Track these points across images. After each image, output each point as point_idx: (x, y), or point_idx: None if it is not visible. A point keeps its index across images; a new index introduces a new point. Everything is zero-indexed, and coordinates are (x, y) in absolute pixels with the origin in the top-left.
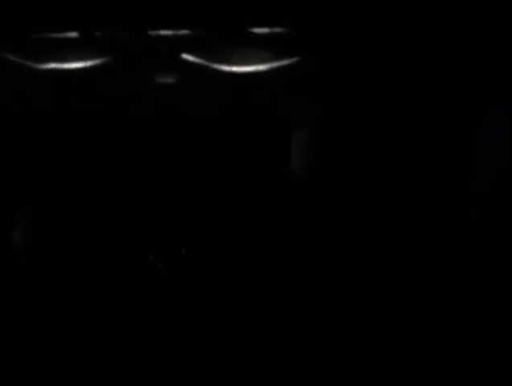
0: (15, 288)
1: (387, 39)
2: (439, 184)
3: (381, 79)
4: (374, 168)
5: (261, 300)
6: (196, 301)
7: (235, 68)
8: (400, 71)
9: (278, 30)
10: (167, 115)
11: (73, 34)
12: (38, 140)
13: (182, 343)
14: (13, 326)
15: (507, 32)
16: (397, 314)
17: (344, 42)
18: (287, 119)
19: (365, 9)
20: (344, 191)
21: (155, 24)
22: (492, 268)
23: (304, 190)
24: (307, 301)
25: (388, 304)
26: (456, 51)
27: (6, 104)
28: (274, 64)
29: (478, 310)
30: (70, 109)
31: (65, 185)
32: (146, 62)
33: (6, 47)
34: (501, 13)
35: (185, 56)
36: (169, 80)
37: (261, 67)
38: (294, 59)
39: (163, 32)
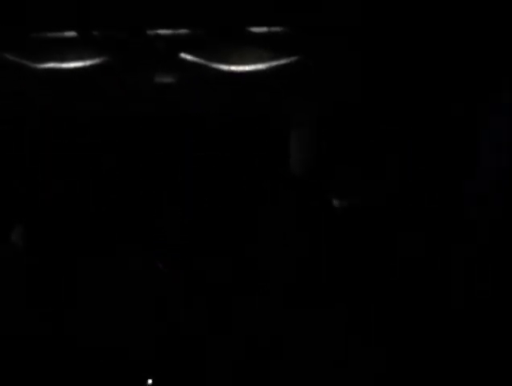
0: (15, 288)
1: (387, 39)
2: (439, 184)
3: (381, 79)
4: (374, 168)
5: (261, 300)
6: (196, 301)
7: (234, 68)
8: (400, 71)
9: (277, 29)
10: (167, 114)
11: (72, 34)
12: (37, 139)
13: (182, 343)
14: (13, 326)
15: (507, 32)
16: (397, 313)
17: (344, 42)
18: (287, 119)
19: (365, 9)
20: (344, 191)
21: (154, 24)
22: (492, 268)
23: (304, 190)
24: (307, 301)
25: (388, 304)
26: (456, 51)
27: (5, 104)
28: (273, 64)
29: (478, 309)
30: (69, 109)
31: (65, 185)
32: (145, 61)
33: (5, 47)
34: (501, 13)
35: (184, 56)
36: (168, 79)
37: (260, 67)
38: (293, 59)
39: (162, 32)
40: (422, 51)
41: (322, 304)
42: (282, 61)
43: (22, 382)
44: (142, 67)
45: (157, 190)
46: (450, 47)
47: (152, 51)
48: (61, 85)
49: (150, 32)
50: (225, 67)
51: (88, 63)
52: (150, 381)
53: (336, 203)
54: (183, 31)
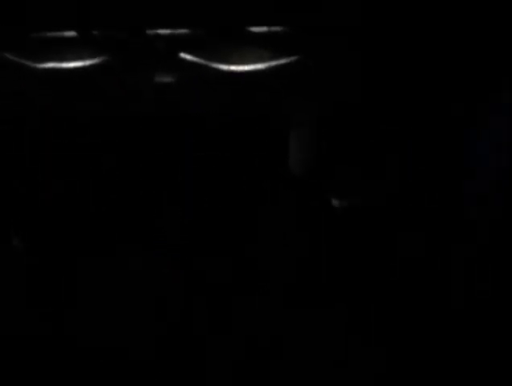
0: (15, 288)
1: (387, 39)
2: (439, 184)
3: (381, 79)
4: (374, 168)
5: (261, 300)
6: (196, 301)
7: (234, 68)
8: (400, 71)
9: (277, 29)
10: (166, 114)
11: (72, 34)
12: (37, 139)
13: (182, 343)
14: (13, 326)
15: (507, 32)
16: (397, 314)
17: (344, 42)
18: (287, 119)
19: (365, 9)
20: (344, 191)
21: (154, 23)
22: (492, 268)
23: (304, 190)
24: (307, 301)
25: (388, 304)
26: (456, 51)
27: (4, 104)
28: (273, 64)
29: (478, 309)
30: (69, 109)
31: (65, 185)
32: (144, 61)
33: (4, 47)
34: (501, 13)
35: (184, 56)
36: (168, 79)
37: (260, 67)
38: (293, 59)
39: (162, 31)
40: (422, 51)
41: (322, 304)
42: (282, 61)
43: (23, 382)
44: (141, 67)
45: (157, 190)
46: (450, 47)
47: (152, 50)
48: (61, 85)
49: (150, 32)
50: (224, 67)
51: (87, 62)
52: None
53: (336, 203)
54: (182, 31)
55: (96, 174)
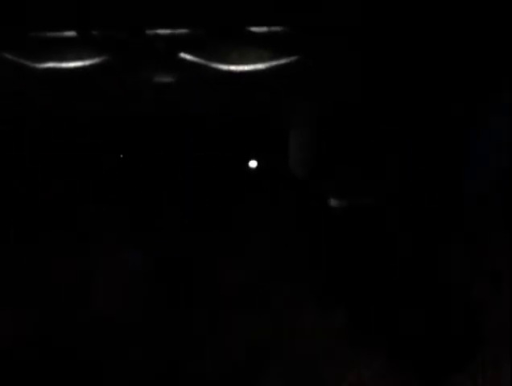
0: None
1: (387, 39)
2: (439, 184)
3: (381, 79)
4: (374, 168)
5: (261, 300)
6: (196, 302)
7: (234, 67)
8: (400, 71)
9: (276, 29)
10: (166, 114)
11: (71, 34)
12: (36, 139)
13: (181, 343)
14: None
15: (507, 32)
16: (397, 314)
17: (344, 42)
18: (287, 119)
19: (365, 9)
20: (344, 191)
21: (154, 23)
22: (492, 269)
23: (304, 191)
24: (306, 301)
25: (388, 304)
26: (456, 51)
27: (4, 104)
28: (273, 63)
29: (478, 310)
30: (68, 108)
31: (65, 185)
32: (144, 61)
33: (4, 47)
34: (501, 13)
35: (184, 55)
36: (167, 79)
37: (260, 67)
38: (293, 59)
39: (162, 31)
40: (422, 51)
41: (322, 304)
42: (282, 61)
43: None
44: (141, 67)
45: (157, 190)
46: (450, 47)
47: (152, 50)
48: (60, 85)
49: (150, 32)
50: (224, 67)
51: (87, 62)
52: None
53: (335, 203)
54: (182, 31)
55: (96, 174)
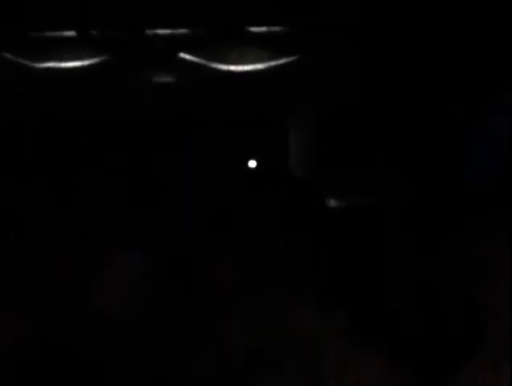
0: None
1: (387, 39)
2: (439, 184)
3: (381, 79)
4: (374, 168)
5: (260, 300)
6: (195, 302)
7: (233, 67)
8: (400, 71)
9: (276, 29)
10: (166, 114)
11: (71, 33)
12: (36, 139)
13: (181, 343)
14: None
15: (507, 32)
16: (397, 314)
17: (344, 42)
18: (287, 119)
19: (365, 9)
20: (343, 191)
21: (153, 23)
22: (492, 269)
23: (304, 191)
24: (307, 301)
25: (388, 304)
26: (456, 51)
27: (3, 104)
28: (273, 64)
29: (478, 310)
30: (68, 108)
31: (65, 185)
32: (144, 61)
33: (3, 47)
34: (501, 13)
35: (183, 56)
36: (167, 79)
37: (259, 67)
38: (292, 59)
39: (161, 31)
40: (422, 51)
41: (321, 305)
42: (282, 61)
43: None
44: (141, 67)
45: (156, 189)
46: (450, 47)
47: (151, 50)
48: (60, 85)
49: (150, 32)
50: (223, 67)
51: (87, 62)
52: None
53: (335, 203)
54: (182, 31)
55: (95, 174)
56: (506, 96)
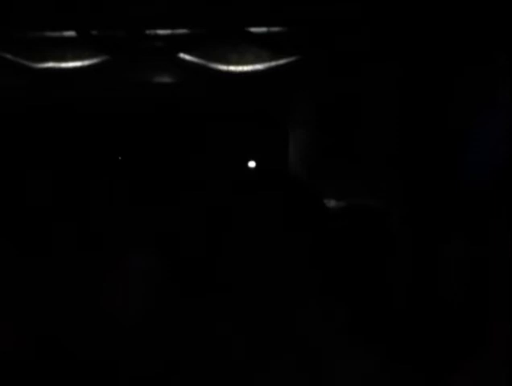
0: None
1: (387, 38)
2: (439, 184)
3: (380, 79)
4: (374, 168)
5: (260, 300)
6: (195, 301)
7: (233, 68)
8: (400, 70)
9: (275, 29)
10: (165, 114)
11: (71, 34)
12: (35, 139)
13: (181, 343)
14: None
15: (507, 32)
16: (397, 314)
17: (343, 42)
18: (286, 119)
19: (365, 9)
20: (343, 192)
21: (153, 23)
22: (492, 269)
23: (304, 191)
24: (306, 301)
25: (388, 304)
26: (455, 50)
27: (3, 104)
28: (273, 64)
29: (478, 309)
30: (68, 109)
31: (64, 185)
32: (143, 61)
33: (3, 47)
34: (501, 11)
35: (183, 56)
36: (167, 79)
37: (259, 67)
38: (292, 59)
39: (161, 31)
40: (422, 51)
41: (321, 304)
42: (281, 61)
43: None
44: (141, 68)
45: (156, 190)
46: (450, 46)
47: (151, 51)
48: (60, 85)
49: (149, 32)
50: (223, 67)
51: (86, 62)
52: None
53: (335, 203)
54: (182, 31)
55: (95, 174)
56: (506, 96)
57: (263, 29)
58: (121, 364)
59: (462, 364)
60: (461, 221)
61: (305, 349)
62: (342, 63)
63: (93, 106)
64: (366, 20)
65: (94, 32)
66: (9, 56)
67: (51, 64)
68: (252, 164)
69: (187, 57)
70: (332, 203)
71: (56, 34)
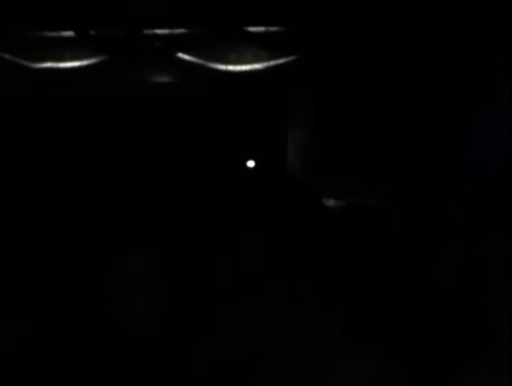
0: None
1: (387, 38)
2: (439, 184)
3: (380, 79)
4: (373, 168)
5: (260, 300)
6: (195, 301)
7: (231, 67)
8: (399, 70)
9: (274, 29)
10: (164, 114)
11: (69, 33)
12: (34, 140)
13: (180, 343)
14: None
15: (507, 32)
16: (397, 314)
17: (343, 41)
18: (286, 119)
19: (365, 9)
20: (342, 192)
21: (151, 23)
22: (492, 269)
23: (303, 191)
24: (306, 301)
25: (387, 304)
26: (455, 49)
27: (2, 104)
28: (271, 63)
29: (478, 309)
30: (67, 109)
31: (64, 185)
32: (142, 61)
33: (1, 47)
34: (501, 11)
35: (181, 55)
36: (165, 79)
37: (257, 66)
38: (291, 59)
39: (159, 31)
40: (421, 51)
41: (321, 304)
42: (281, 61)
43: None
44: (139, 67)
45: (156, 190)
46: (450, 46)
47: (149, 50)
48: (58, 85)
49: (148, 32)
50: (221, 67)
51: (85, 62)
52: None
53: (334, 203)
54: (180, 31)
55: (95, 174)
56: (506, 96)
57: (262, 28)
58: (121, 364)
59: (462, 364)
60: (461, 221)
61: (305, 348)
62: (342, 63)
63: (92, 106)
64: (366, 20)
65: (92, 32)
66: (7, 56)
67: (49, 64)
68: (251, 164)
69: (186, 57)
70: (331, 203)
71: (55, 34)
